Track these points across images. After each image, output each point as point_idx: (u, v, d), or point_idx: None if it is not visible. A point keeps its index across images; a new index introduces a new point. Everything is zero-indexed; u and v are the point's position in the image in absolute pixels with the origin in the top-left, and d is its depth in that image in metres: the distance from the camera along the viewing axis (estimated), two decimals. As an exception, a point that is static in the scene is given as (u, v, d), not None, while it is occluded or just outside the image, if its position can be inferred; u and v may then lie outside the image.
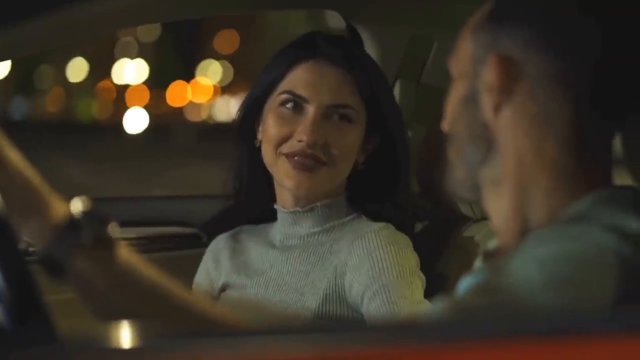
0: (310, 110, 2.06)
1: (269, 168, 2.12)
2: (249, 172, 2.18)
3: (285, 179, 2.07)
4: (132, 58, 36.23)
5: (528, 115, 1.25)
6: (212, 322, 1.27)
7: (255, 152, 2.15)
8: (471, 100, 1.28)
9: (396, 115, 2.16)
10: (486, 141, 1.27)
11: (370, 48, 2.44)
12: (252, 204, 2.22)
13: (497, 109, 1.25)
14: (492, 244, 1.36)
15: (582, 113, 1.24)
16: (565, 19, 1.25)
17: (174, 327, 1.22)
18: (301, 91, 2.08)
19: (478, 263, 1.38)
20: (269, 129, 2.09)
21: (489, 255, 1.34)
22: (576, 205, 1.22)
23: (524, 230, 1.25)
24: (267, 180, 2.16)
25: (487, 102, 1.26)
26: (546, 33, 1.24)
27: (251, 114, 2.15)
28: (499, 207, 1.28)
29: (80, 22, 1.60)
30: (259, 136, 2.14)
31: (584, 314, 1.09)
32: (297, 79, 2.09)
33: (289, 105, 2.08)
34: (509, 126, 1.25)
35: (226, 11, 2.49)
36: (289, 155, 2.06)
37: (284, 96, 2.09)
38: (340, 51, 2.10)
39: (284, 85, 2.10)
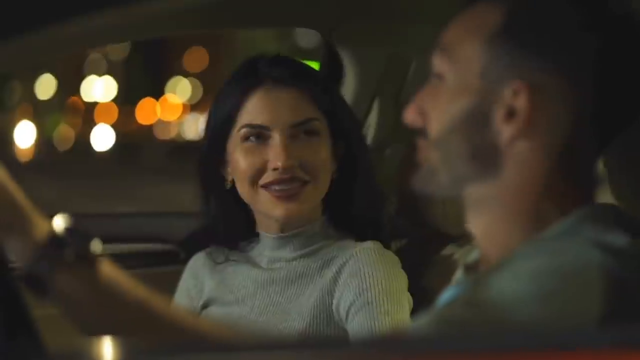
0: (275, 136, 2.04)
1: (250, 203, 2.09)
2: (225, 213, 2.15)
3: (271, 210, 2.05)
4: (100, 75, 36.07)
5: (544, 142, 1.24)
6: (196, 336, 1.28)
7: (226, 193, 2.12)
8: (478, 118, 1.25)
9: (353, 119, 2.17)
10: (487, 161, 1.26)
11: (349, 66, 2.46)
12: (231, 236, 2.19)
13: (516, 136, 1.24)
14: (472, 257, 1.37)
15: (580, 135, 1.25)
16: (577, 42, 1.24)
17: (159, 341, 1.23)
18: (259, 121, 2.05)
19: (458, 275, 1.38)
20: (240, 166, 2.06)
21: (470, 268, 1.35)
22: (561, 222, 1.23)
23: (508, 246, 1.25)
24: (244, 212, 2.14)
25: (506, 128, 1.24)
26: (565, 58, 1.24)
27: (214, 157, 2.12)
28: (484, 222, 1.28)
29: (53, 40, 1.60)
30: (229, 177, 2.11)
31: (569, 329, 1.10)
32: (252, 110, 2.06)
33: (252, 138, 2.06)
34: (523, 153, 1.25)
35: (198, 29, 2.49)
36: (267, 186, 2.04)
37: (244, 130, 2.06)
38: (284, 71, 2.08)
39: (241, 119, 2.07)
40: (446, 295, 1.28)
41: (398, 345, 1.07)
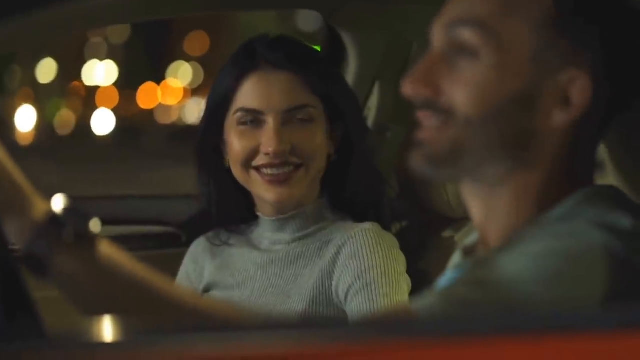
0: (269, 120, 2.05)
1: (244, 185, 2.10)
2: (223, 194, 2.16)
3: (263, 193, 2.06)
4: (101, 59, 36.06)
5: (581, 129, 1.24)
6: (199, 315, 1.28)
7: (225, 174, 2.13)
8: (525, 102, 1.22)
9: (352, 101, 2.16)
10: (522, 146, 1.23)
11: (350, 49, 2.45)
12: (229, 218, 2.20)
13: (566, 123, 1.22)
14: (470, 239, 1.36)
15: (591, 118, 1.24)
16: (608, 30, 1.24)
17: (160, 321, 1.23)
18: (254, 105, 2.06)
19: (457, 258, 1.37)
20: (233, 148, 2.08)
21: (468, 251, 1.34)
22: (563, 204, 1.23)
23: (509, 228, 1.25)
24: (243, 194, 2.14)
25: (558, 115, 1.22)
26: (602, 45, 1.23)
27: (212, 136, 2.13)
28: (487, 204, 1.27)
29: (54, 21, 1.60)
30: (227, 157, 2.13)
31: (574, 310, 1.09)
32: (247, 93, 2.07)
33: (247, 121, 2.07)
34: (561, 138, 1.23)
35: (199, 12, 2.48)
36: (259, 169, 2.05)
37: (239, 114, 2.07)
38: (282, 54, 2.08)
39: (236, 103, 2.08)
40: (445, 278, 1.27)
41: (397, 326, 1.07)
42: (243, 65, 2.09)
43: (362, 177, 2.13)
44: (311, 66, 2.10)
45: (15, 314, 1.09)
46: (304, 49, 2.15)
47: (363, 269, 1.99)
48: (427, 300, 1.16)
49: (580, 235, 1.18)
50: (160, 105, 36.29)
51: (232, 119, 2.09)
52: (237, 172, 2.10)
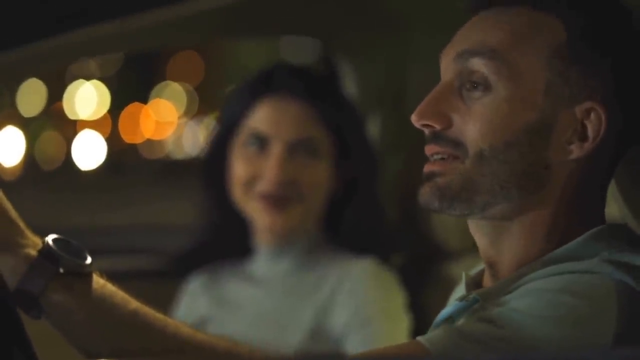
0: (275, 147, 2.04)
1: (241, 207, 2.08)
2: (223, 218, 2.14)
3: (258, 218, 2.05)
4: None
5: (596, 164, 1.22)
6: (197, 350, 1.26)
7: (228, 197, 2.10)
8: (540, 134, 1.20)
9: (365, 142, 2.13)
10: (535, 179, 1.21)
11: (348, 76, 2.43)
12: (228, 247, 2.16)
13: (582, 157, 1.20)
14: (474, 272, 1.33)
15: (604, 153, 1.23)
16: (624, 61, 1.22)
17: (157, 356, 1.21)
18: (264, 129, 2.05)
19: (460, 290, 1.35)
20: (236, 169, 2.06)
21: (473, 282, 1.31)
22: (575, 241, 1.21)
23: (518, 262, 1.22)
24: (243, 221, 2.11)
25: (573, 148, 1.20)
26: (617, 77, 1.21)
27: (218, 154, 2.12)
28: (497, 238, 1.24)
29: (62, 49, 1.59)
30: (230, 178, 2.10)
31: (586, 350, 1.07)
32: (259, 116, 2.06)
33: (253, 144, 2.06)
34: (575, 172, 1.21)
35: (195, 39, 2.48)
36: (259, 196, 2.03)
37: (247, 135, 2.06)
38: (301, 83, 2.07)
39: (246, 123, 2.07)
40: (447, 310, 1.24)
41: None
42: (259, 87, 2.07)
43: (365, 214, 2.10)
44: (327, 99, 2.08)
45: (10, 352, 1.07)
46: (323, 80, 2.14)
47: (361, 306, 1.97)
48: (439, 337, 1.14)
49: (595, 272, 1.16)
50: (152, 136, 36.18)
51: (239, 139, 2.07)
52: (236, 194, 2.08)
